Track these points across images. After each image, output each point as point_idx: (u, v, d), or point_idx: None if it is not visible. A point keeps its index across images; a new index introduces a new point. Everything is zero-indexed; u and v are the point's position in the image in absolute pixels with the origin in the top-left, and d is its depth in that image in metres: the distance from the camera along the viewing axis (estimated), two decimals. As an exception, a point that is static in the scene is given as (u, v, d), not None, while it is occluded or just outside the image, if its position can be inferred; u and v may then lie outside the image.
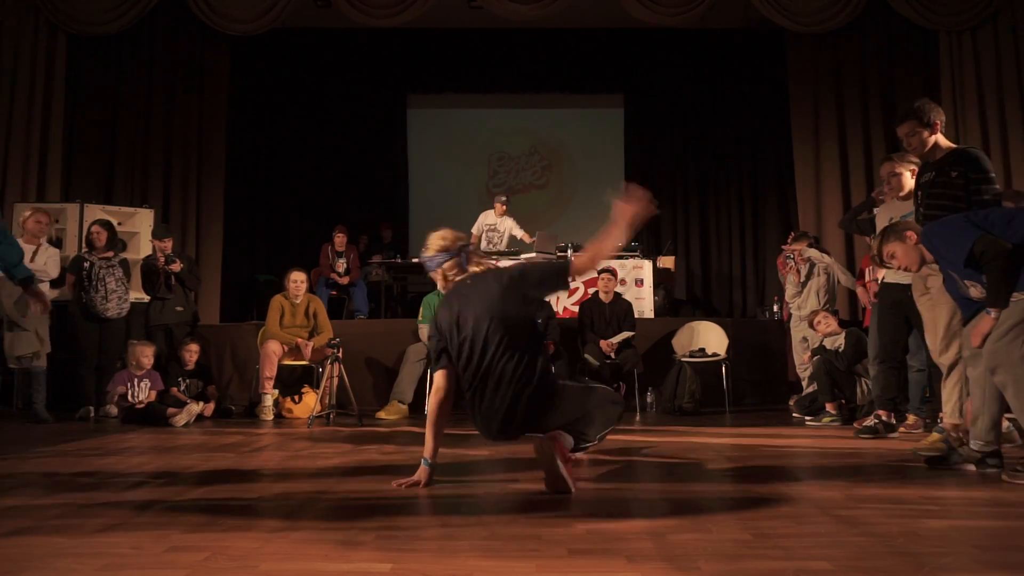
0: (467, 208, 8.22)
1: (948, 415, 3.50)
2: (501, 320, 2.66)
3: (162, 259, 5.97)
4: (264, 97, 9.57)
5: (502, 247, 8.00)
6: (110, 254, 5.68)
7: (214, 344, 6.39)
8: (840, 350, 5.06)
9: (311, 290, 6.29)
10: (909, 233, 3.07)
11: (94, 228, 5.71)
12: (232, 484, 2.85)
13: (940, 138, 3.41)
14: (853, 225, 4.76)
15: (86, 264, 5.57)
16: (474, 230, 8.12)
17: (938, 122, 3.39)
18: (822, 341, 5.24)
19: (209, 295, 7.90)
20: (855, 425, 4.72)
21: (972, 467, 2.93)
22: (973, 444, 2.94)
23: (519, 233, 8.07)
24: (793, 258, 5.70)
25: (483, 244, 8.01)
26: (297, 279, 5.86)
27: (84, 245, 5.80)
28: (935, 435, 3.62)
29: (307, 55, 9.57)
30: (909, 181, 3.93)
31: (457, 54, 9.80)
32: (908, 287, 3.82)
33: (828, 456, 3.54)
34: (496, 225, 8.13)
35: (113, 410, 5.42)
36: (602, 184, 10.26)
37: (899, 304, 4.04)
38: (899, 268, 3.18)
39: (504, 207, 8.14)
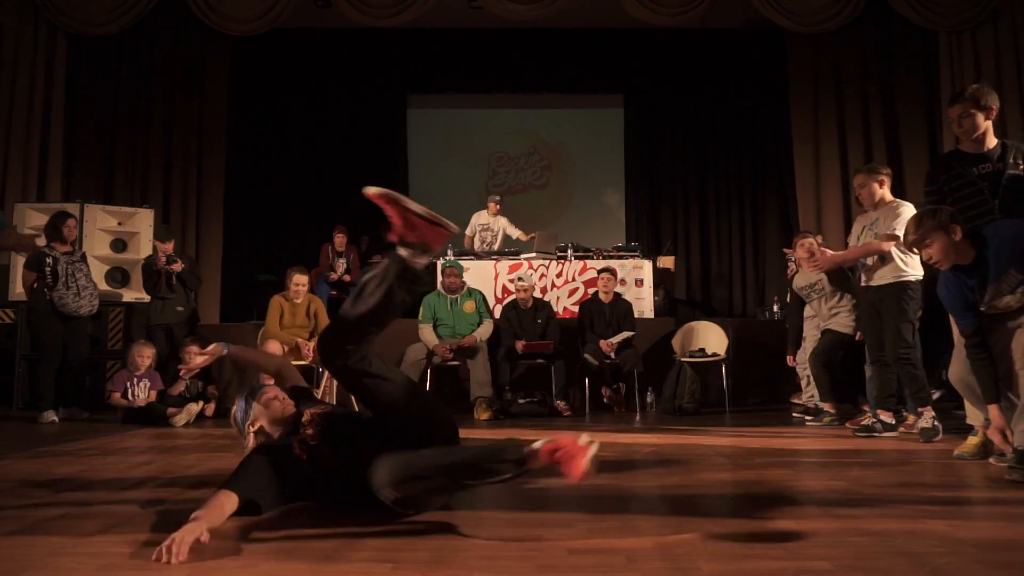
0: (467, 208, 8.22)
1: None
2: None
3: (163, 260, 5.97)
4: (264, 97, 9.56)
5: (496, 246, 8.00)
6: (71, 248, 5.45)
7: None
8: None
9: (311, 290, 6.29)
10: (955, 227, 2.86)
11: (70, 222, 5.42)
12: (232, 484, 2.84)
13: (989, 127, 3.59)
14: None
15: (49, 260, 5.28)
16: (467, 231, 8.11)
17: (993, 108, 3.56)
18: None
19: (209, 295, 7.91)
20: (848, 425, 4.71)
21: None
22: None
23: (514, 232, 8.05)
24: (795, 261, 5.71)
25: (476, 244, 8.00)
26: (299, 282, 5.82)
27: (46, 240, 5.43)
28: (974, 438, 3.40)
29: (307, 55, 9.56)
30: (879, 191, 4.27)
31: (457, 54, 9.79)
32: (880, 288, 4.12)
33: (828, 456, 3.54)
34: (490, 224, 8.12)
35: (51, 416, 5.12)
36: (602, 184, 10.33)
37: (874, 305, 4.23)
38: (929, 259, 3.02)
39: (497, 207, 8.13)
